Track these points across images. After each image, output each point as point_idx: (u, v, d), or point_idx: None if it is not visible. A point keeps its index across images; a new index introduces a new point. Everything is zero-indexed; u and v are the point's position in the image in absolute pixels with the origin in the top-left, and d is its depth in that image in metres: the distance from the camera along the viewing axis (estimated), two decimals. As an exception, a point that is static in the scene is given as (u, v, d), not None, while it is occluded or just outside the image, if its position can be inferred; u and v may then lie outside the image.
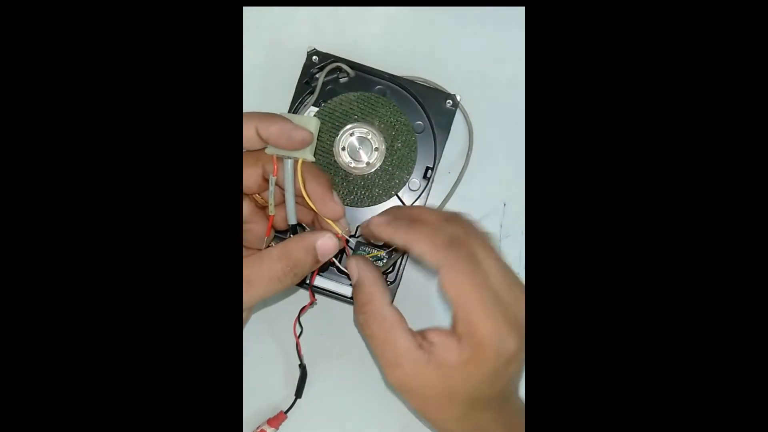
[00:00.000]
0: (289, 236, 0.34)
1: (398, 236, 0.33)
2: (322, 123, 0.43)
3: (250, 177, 0.34)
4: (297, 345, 0.41)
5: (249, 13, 0.45)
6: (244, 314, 0.33)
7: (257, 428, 0.42)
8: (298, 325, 0.39)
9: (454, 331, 0.31)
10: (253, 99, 0.45)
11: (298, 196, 0.34)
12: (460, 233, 0.32)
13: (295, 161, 0.33)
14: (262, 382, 0.43)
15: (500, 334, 0.30)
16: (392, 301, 0.33)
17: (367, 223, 0.34)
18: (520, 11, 0.45)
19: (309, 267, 0.33)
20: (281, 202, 0.35)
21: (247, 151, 0.34)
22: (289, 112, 0.43)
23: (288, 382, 0.44)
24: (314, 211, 0.34)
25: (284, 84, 0.44)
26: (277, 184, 0.34)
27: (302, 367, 0.43)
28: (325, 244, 0.33)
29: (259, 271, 0.31)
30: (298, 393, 0.43)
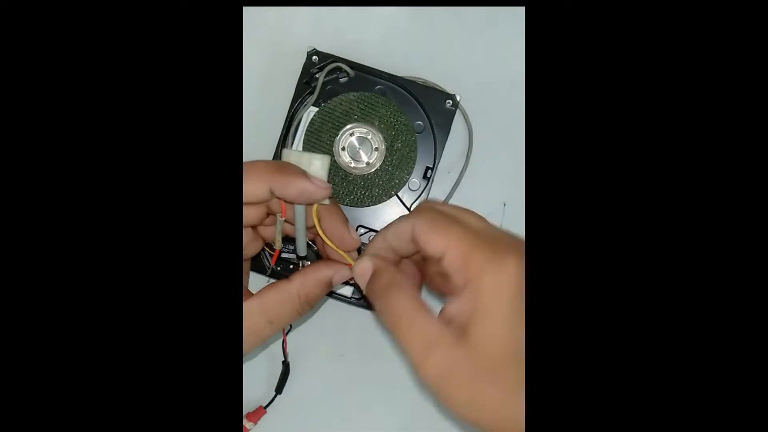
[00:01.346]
0: (301, 264, 0.35)
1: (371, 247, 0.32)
2: (321, 123, 0.43)
3: (253, 212, 0.32)
4: (283, 342, 0.41)
5: (249, 13, 0.45)
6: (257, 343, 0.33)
7: None
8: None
9: (455, 291, 0.28)
10: (253, 99, 0.45)
11: (310, 228, 0.34)
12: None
13: (309, 207, 0.32)
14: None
15: (497, 256, 0.27)
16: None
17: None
18: (520, 11, 0.45)
19: (322, 296, 0.34)
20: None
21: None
22: (289, 112, 0.43)
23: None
24: (329, 244, 0.34)
25: (284, 84, 0.44)
26: (286, 221, 0.34)
27: (285, 364, 0.43)
28: (341, 277, 0.34)
29: (282, 309, 0.32)
30: (279, 389, 0.43)
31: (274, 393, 0.43)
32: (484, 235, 0.29)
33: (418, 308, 0.29)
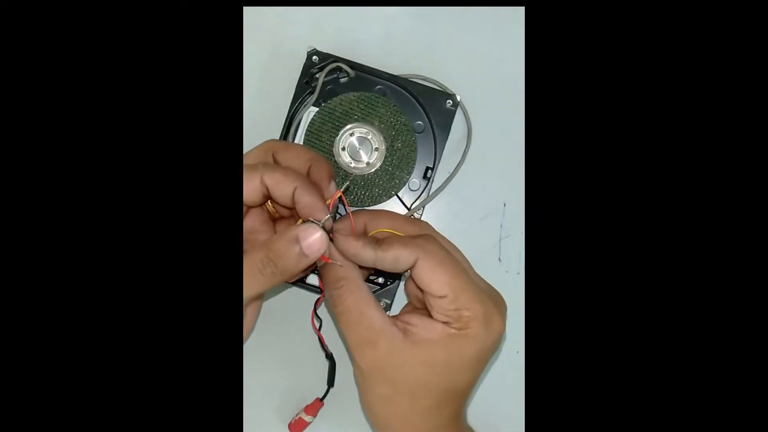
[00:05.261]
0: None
1: (368, 252, 0.31)
2: (321, 123, 0.43)
3: (249, 190, 0.33)
4: (320, 337, 0.40)
5: (249, 13, 0.45)
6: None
7: (295, 417, 0.43)
8: (316, 318, 0.39)
9: (434, 318, 0.30)
10: (253, 99, 0.45)
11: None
12: (425, 229, 0.33)
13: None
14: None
15: (490, 313, 0.30)
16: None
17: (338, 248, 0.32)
18: (520, 11, 0.45)
19: (295, 260, 0.31)
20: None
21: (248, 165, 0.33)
22: (289, 112, 0.43)
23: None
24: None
25: (284, 84, 0.44)
26: (275, 201, 0.34)
27: (330, 357, 0.42)
28: (309, 236, 0.31)
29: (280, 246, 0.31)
30: (330, 382, 0.42)
31: (327, 386, 0.42)
32: (479, 288, 0.31)
33: (366, 304, 0.31)
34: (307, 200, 0.32)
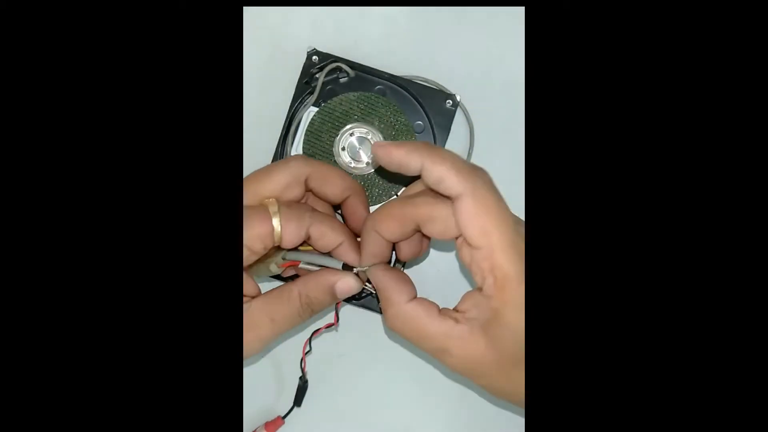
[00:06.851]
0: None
1: (414, 156, 0.30)
2: (321, 123, 0.43)
3: (291, 237, 0.32)
4: (302, 360, 0.40)
5: (249, 13, 0.45)
6: (257, 348, 0.33)
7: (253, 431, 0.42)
8: (308, 344, 0.39)
9: (477, 280, 0.29)
10: (253, 99, 0.45)
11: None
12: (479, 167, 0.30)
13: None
14: (256, 387, 0.43)
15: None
16: (414, 293, 0.32)
17: (378, 147, 0.31)
18: (520, 11, 0.45)
19: (327, 305, 0.34)
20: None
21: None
22: (289, 112, 0.43)
23: (281, 389, 0.43)
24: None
25: (284, 84, 0.44)
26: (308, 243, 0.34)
27: (303, 380, 0.42)
28: (346, 285, 0.33)
29: (283, 307, 0.32)
30: (298, 402, 0.42)
31: (293, 405, 0.42)
32: (522, 239, 0.29)
33: (417, 324, 0.30)
34: (350, 258, 0.33)
